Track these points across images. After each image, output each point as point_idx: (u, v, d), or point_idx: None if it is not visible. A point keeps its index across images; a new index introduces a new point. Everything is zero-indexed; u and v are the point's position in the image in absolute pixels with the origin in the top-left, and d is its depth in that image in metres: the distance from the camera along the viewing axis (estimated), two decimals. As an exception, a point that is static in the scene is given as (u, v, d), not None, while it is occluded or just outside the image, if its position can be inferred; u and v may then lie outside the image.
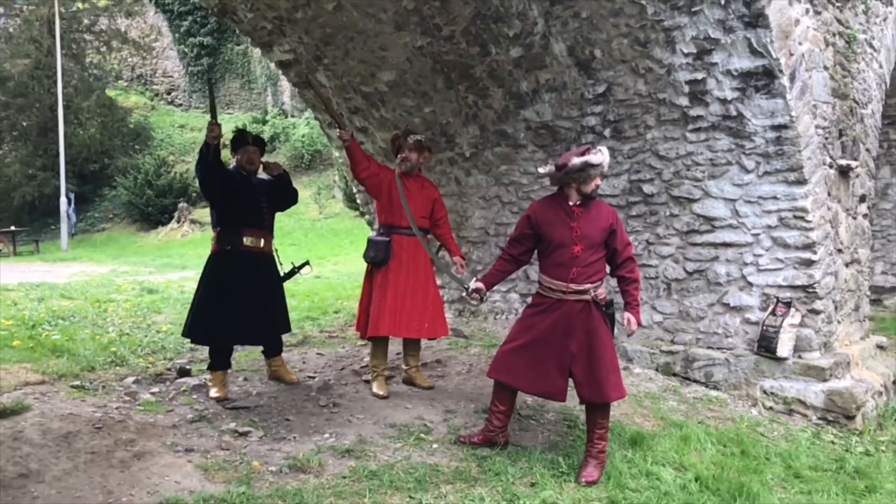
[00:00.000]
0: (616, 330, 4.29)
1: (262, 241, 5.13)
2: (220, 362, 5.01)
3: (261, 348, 5.57)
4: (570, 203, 4.14)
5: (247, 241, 5.04)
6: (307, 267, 5.56)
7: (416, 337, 5.33)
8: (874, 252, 10.29)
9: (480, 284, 4.38)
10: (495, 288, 7.27)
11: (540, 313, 4.20)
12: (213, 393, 4.89)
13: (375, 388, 5.14)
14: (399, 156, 5.28)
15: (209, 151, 4.74)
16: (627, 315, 4.15)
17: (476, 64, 6.31)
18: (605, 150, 4.10)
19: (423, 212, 5.29)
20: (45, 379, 4.92)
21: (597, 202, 4.22)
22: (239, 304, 4.91)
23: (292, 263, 5.50)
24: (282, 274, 5.35)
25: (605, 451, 4.18)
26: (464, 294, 4.48)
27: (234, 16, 6.67)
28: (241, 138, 5.19)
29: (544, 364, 4.14)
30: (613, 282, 4.37)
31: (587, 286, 4.08)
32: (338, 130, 5.14)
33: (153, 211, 23.60)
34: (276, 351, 5.48)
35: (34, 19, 25.24)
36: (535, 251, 4.34)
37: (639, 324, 4.18)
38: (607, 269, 4.30)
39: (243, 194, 5.04)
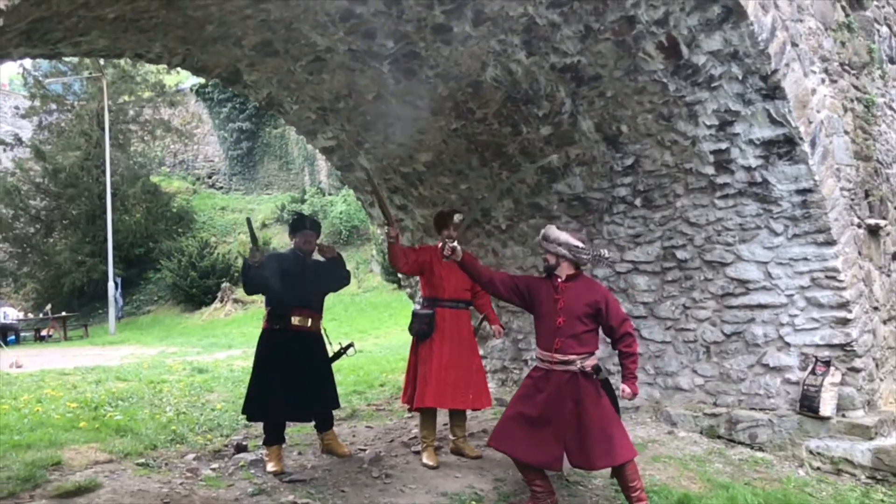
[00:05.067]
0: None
1: (311, 320, 5.37)
2: (274, 437, 5.22)
3: (312, 423, 5.76)
4: (559, 279, 4.42)
5: (295, 320, 5.29)
6: (351, 349, 5.77)
7: (462, 408, 5.50)
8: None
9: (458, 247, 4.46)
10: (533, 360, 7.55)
11: (534, 384, 4.42)
12: (270, 467, 5.09)
13: (425, 458, 5.29)
14: (444, 232, 5.49)
15: (250, 269, 5.12)
16: (623, 385, 4.28)
17: (508, 143, 6.64)
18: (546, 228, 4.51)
19: (465, 284, 5.51)
20: (113, 458, 5.19)
21: (589, 280, 4.55)
22: (287, 381, 5.13)
23: (339, 344, 5.73)
24: (329, 353, 5.58)
25: (647, 511, 4.27)
26: (439, 244, 4.51)
27: (280, 108, 7.13)
28: (300, 222, 5.54)
29: (539, 433, 4.28)
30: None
31: (572, 357, 4.27)
32: (386, 227, 5.35)
33: (197, 292, 24.19)
34: (327, 425, 5.67)
35: (84, 114, 26.69)
36: (519, 304, 4.62)
37: (634, 394, 4.28)
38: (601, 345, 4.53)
39: (296, 275, 5.30)
